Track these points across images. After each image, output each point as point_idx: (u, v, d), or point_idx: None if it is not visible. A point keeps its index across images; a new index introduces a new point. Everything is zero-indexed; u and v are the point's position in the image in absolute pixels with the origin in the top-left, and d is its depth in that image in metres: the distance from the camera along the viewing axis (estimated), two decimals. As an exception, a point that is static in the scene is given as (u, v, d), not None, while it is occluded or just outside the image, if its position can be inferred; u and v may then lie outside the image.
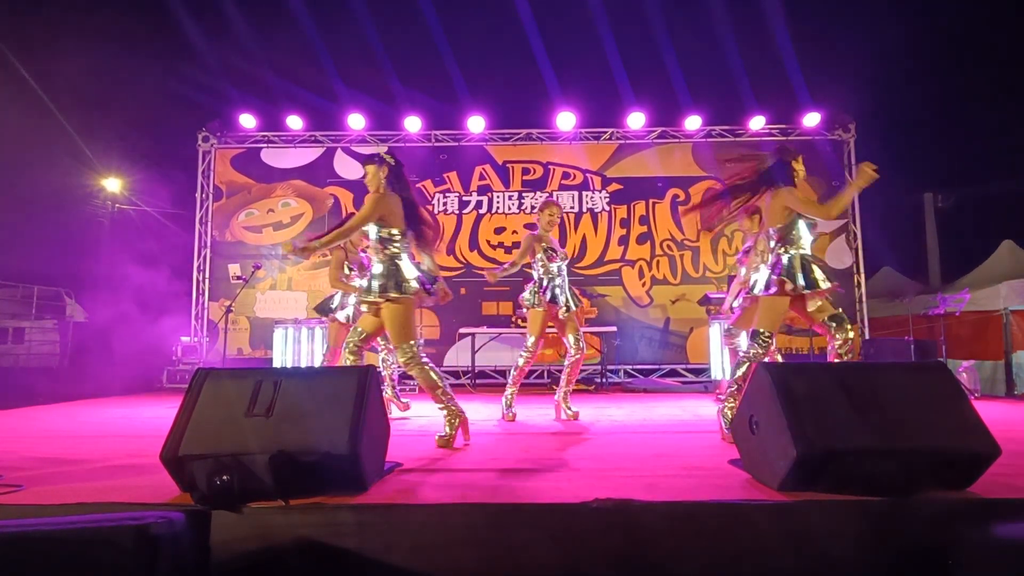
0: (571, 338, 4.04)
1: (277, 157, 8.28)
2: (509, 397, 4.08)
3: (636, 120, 8.00)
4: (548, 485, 2.04)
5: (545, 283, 3.99)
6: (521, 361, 4.01)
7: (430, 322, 7.79)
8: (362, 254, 4.29)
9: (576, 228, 8.05)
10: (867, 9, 8.53)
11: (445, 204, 8.16)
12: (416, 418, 4.25)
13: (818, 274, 2.96)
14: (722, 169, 6.55)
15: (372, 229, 2.99)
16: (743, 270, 4.30)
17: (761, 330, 2.98)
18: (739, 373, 2.97)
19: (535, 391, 6.75)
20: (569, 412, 4.08)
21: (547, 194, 8.08)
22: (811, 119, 7.97)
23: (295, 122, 8.09)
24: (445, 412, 2.95)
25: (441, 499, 1.85)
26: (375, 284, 2.94)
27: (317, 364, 6.03)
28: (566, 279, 4.10)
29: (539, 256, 4.03)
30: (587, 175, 8.19)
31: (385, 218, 2.97)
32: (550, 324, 4.06)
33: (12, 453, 2.79)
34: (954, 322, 6.97)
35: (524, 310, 4.13)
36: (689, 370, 7.79)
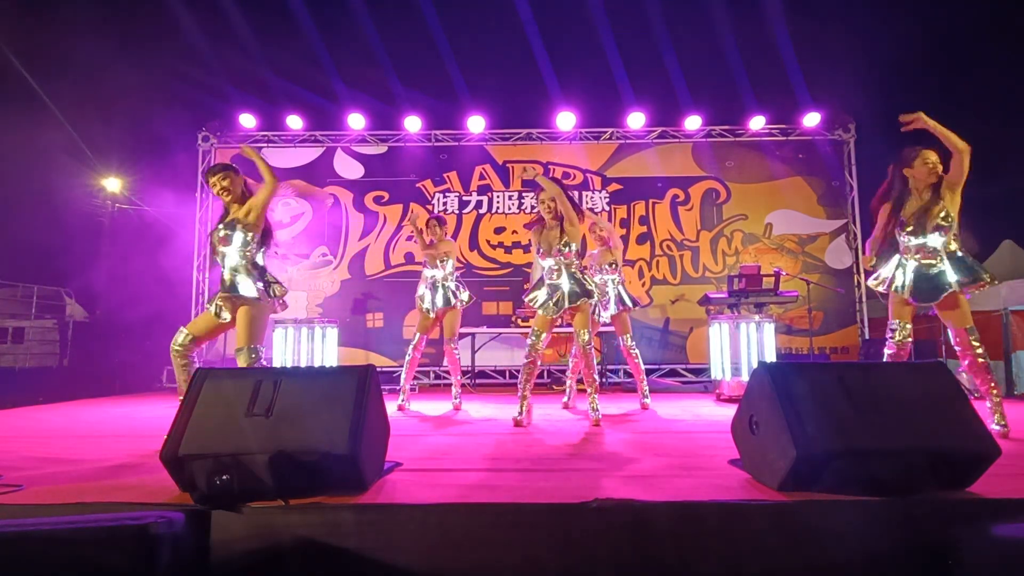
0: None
1: (277, 157, 8.28)
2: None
3: (636, 120, 8.00)
4: (548, 485, 2.04)
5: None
6: None
7: (430, 322, 7.79)
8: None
9: (576, 228, 8.05)
10: (867, 9, 8.52)
11: (445, 204, 8.16)
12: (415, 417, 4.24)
13: None
14: None
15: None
16: None
17: None
18: None
19: (535, 391, 6.73)
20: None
21: None
22: (811, 119, 7.97)
23: (295, 122, 8.09)
24: None
25: (441, 499, 1.85)
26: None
27: (316, 364, 6.03)
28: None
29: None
30: (587, 175, 8.19)
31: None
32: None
33: (12, 453, 2.79)
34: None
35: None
36: (689, 370, 7.79)
